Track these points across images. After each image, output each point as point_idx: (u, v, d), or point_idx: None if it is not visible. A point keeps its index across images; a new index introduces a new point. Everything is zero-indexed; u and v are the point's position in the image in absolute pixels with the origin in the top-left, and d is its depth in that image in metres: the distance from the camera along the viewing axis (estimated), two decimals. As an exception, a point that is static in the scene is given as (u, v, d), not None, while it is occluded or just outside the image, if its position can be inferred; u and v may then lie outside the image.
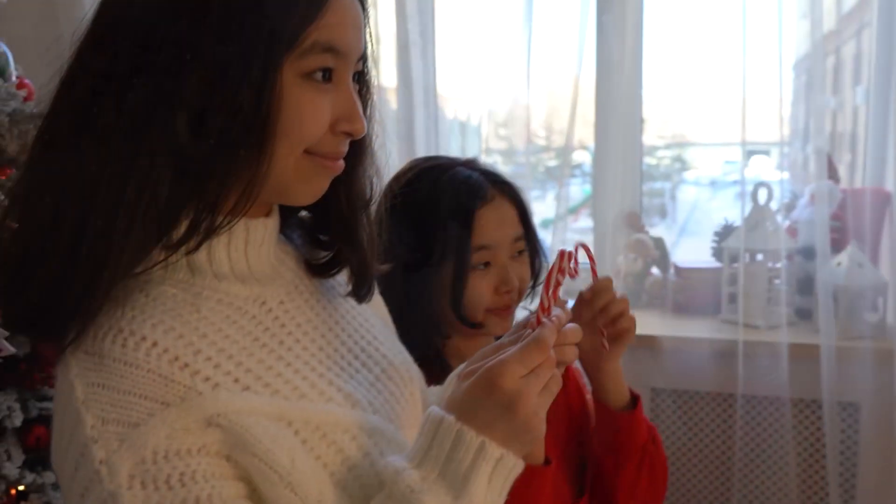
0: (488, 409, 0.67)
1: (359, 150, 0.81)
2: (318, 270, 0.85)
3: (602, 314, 1.05)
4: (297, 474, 0.68)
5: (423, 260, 1.09)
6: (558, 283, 0.76)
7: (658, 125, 2.68)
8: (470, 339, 1.16)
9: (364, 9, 0.78)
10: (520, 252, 1.17)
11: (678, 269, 2.22)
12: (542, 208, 2.39)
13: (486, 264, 1.11)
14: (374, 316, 0.93)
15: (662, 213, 2.99)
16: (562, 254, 0.77)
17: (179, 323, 0.68)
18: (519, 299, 1.17)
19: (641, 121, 2.26)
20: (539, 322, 0.72)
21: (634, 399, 1.13)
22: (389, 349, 0.89)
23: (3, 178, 1.42)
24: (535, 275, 1.20)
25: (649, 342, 2.03)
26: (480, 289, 1.12)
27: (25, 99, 1.48)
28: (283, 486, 0.68)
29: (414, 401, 0.87)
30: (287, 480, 0.68)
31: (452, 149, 2.32)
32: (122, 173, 0.65)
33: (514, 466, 0.68)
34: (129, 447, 0.63)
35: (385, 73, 2.19)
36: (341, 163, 0.77)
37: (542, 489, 0.98)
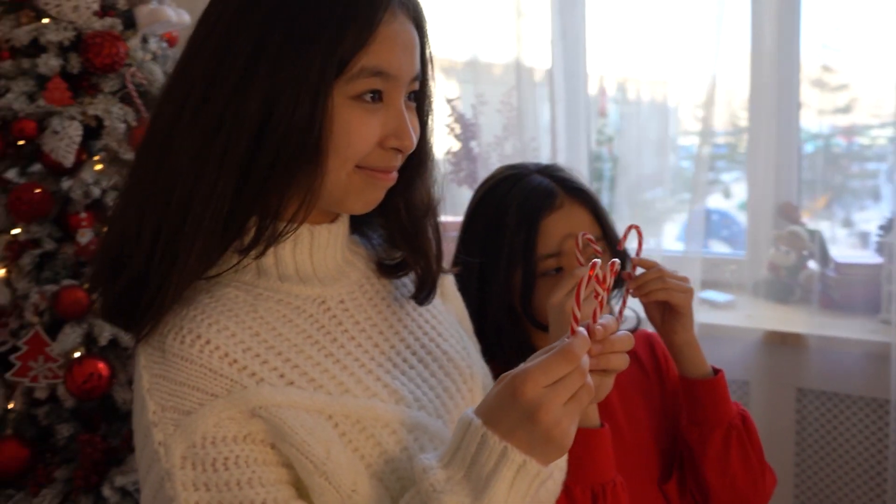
0: (511, 416, 0.69)
1: (417, 162, 0.87)
2: (387, 271, 0.92)
3: (638, 290, 1.13)
4: (332, 464, 0.74)
5: (494, 265, 1.14)
6: (604, 292, 0.76)
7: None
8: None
9: (420, 30, 0.84)
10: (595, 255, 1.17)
11: (837, 265, 2.08)
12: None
13: (559, 269, 1.13)
14: (446, 313, 0.98)
15: (876, 196, 2.71)
16: (605, 264, 0.78)
17: (234, 323, 0.77)
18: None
19: (798, 105, 2.13)
20: (573, 332, 0.73)
21: (716, 372, 1.15)
22: (453, 347, 0.93)
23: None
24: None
25: (795, 340, 1.94)
26: (549, 291, 1.12)
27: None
28: (317, 474, 0.74)
29: (472, 397, 0.91)
30: (322, 470, 0.74)
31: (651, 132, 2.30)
32: (191, 187, 0.75)
33: (537, 473, 0.70)
34: (182, 432, 0.73)
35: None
36: (394, 175, 0.83)
37: (597, 451, 1.01)
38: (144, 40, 1.68)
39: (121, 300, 0.79)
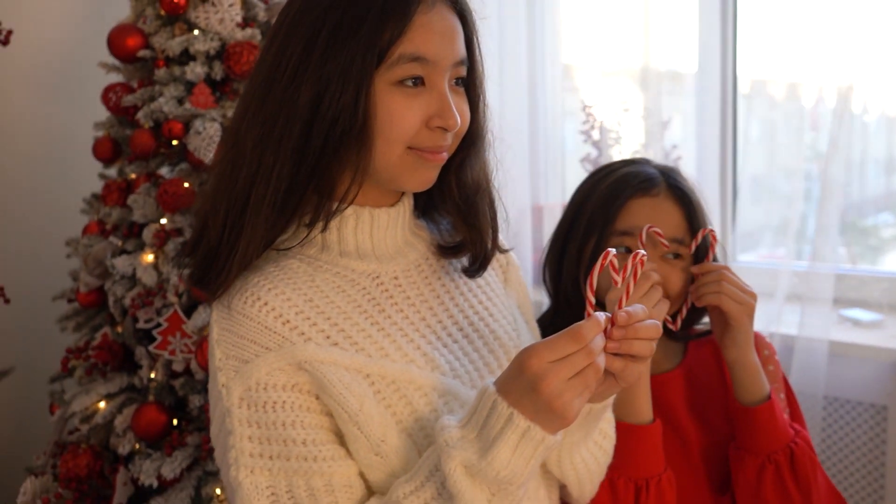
0: (518, 386, 0.76)
1: (469, 142, 0.93)
2: (445, 253, 0.98)
3: (694, 292, 1.11)
4: (364, 416, 0.84)
5: (574, 233, 1.17)
6: (622, 280, 0.81)
7: None
8: None
9: (464, 20, 0.89)
10: (675, 256, 1.15)
11: None
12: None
13: (628, 250, 1.13)
14: (505, 297, 1.04)
15: None
16: (634, 256, 0.81)
17: (291, 289, 0.87)
18: (673, 306, 1.16)
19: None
20: (589, 314, 0.77)
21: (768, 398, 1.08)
22: (502, 326, 0.99)
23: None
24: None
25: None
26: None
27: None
28: (351, 423, 0.84)
29: None
30: (355, 420, 0.84)
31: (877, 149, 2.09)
32: (254, 170, 0.86)
33: (542, 439, 0.76)
34: (241, 377, 0.85)
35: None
36: (444, 155, 0.90)
37: (645, 445, 1.03)
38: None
39: (201, 266, 0.91)
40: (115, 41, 1.77)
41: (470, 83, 0.93)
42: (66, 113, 2.04)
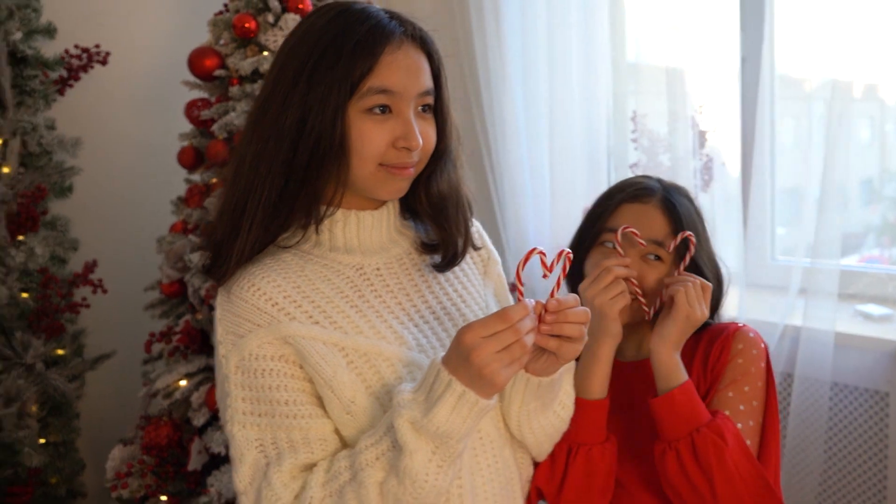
0: (456, 357, 0.91)
1: (435, 158, 1.10)
2: (424, 249, 1.15)
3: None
4: (336, 382, 1.01)
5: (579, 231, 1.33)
6: (548, 271, 0.96)
7: None
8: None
9: (430, 56, 1.06)
10: (656, 258, 1.27)
11: None
12: None
13: (615, 246, 1.26)
14: (482, 287, 1.20)
15: None
16: (560, 252, 0.96)
17: (282, 277, 1.04)
18: (646, 301, 1.26)
19: None
20: (518, 299, 0.93)
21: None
22: (472, 310, 1.16)
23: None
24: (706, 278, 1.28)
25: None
26: (597, 262, 1.25)
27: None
28: (326, 387, 1.01)
29: None
30: (329, 384, 1.01)
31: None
32: (251, 181, 1.03)
33: (476, 402, 0.91)
34: (236, 349, 1.03)
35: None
36: (411, 170, 1.06)
37: (584, 418, 1.18)
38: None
39: (210, 258, 1.10)
40: (195, 62, 2.00)
41: (438, 110, 1.09)
42: (157, 125, 2.29)
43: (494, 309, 1.19)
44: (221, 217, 1.08)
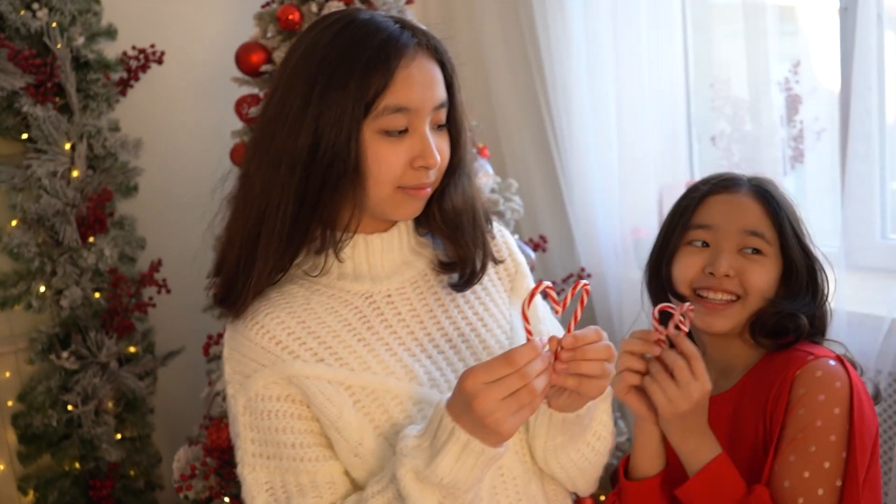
0: (458, 403, 0.85)
1: (449, 173, 1.02)
2: (441, 268, 1.06)
3: None
4: (343, 422, 0.95)
5: (662, 230, 1.23)
6: (560, 307, 0.88)
7: None
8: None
9: (443, 65, 0.97)
10: (754, 251, 1.14)
11: None
12: None
13: (705, 244, 1.16)
14: (506, 305, 1.09)
15: None
16: (576, 284, 0.88)
17: (286, 313, 0.98)
18: (743, 297, 1.15)
19: None
20: (528, 339, 0.85)
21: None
22: (494, 334, 1.06)
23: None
24: (789, 279, 1.16)
25: None
26: (686, 262, 1.16)
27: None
28: (332, 428, 0.96)
29: None
30: (335, 425, 0.96)
31: None
32: (263, 209, 0.96)
33: (482, 451, 0.85)
34: (243, 389, 0.98)
35: None
36: (427, 190, 0.99)
37: (721, 480, 1.02)
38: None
39: (222, 290, 1.04)
40: (242, 58, 1.97)
41: (451, 121, 1.00)
42: (215, 122, 2.28)
43: (521, 331, 1.09)
44: (231, 245, 1.01)
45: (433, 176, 0.98)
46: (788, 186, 1.92)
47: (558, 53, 2.25)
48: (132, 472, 2.36)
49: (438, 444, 0.86)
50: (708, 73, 2.16)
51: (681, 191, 1.27)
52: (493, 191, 2.16)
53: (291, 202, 0.96)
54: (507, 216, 2.16)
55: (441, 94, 0.97)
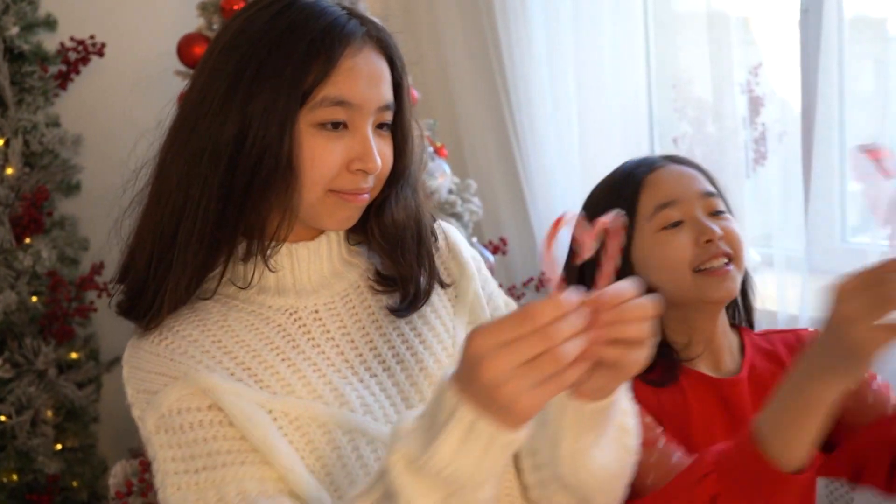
0: (463, 371, 0.65)
1: (390, 183, 0.92)
2: (381, 283, 0.95)
3: None
4: (267, 447, 0.82)
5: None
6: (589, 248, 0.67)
7: None
8: (697, 311, 1.12)
9: (392, 64, 0.88)
10: (718, 212, 1.14)
11: None
12: None
13: (679, 223, 1.11)
14: (451, 324, 0.97)
15: None
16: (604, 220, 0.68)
17: (199, 331, 0.88)
18: (734, 257, 1.11)
19: None
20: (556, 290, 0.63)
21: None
22: (434, 353, 0.94)
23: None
24: None
25: None
26: (674, 246, 1.09)
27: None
28: (258, 450, 0.83)
29: None
30: (260, 449, 0.83)
31: None
32: (179, 207, 0.86)
33: (493, 435, 0.64)
34: (151, 407, 0.86)
35: None
36: (364, 197, 0.88)
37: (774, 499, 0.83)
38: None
39: (128, 297, 0.92)
40: (184, 50, 1.87)
41: (396, 126, 0.91)
42: (157, 116, 2.18)
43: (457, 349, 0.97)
44: (141, 246, 0.90)
45: (372, 182, 0.89)
46: (751, 189, 1.92)
47: (519, 52, 2.19)
48: (75, 484, 2.25)
49: (438, 425, 0.66)
50: (670, 74, 2.10)
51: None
52: (451, 192, 2.10)
53: (214, 200, 0.85)
54: (466, 218, 2.09)
55: (387, 94, 0.88)
